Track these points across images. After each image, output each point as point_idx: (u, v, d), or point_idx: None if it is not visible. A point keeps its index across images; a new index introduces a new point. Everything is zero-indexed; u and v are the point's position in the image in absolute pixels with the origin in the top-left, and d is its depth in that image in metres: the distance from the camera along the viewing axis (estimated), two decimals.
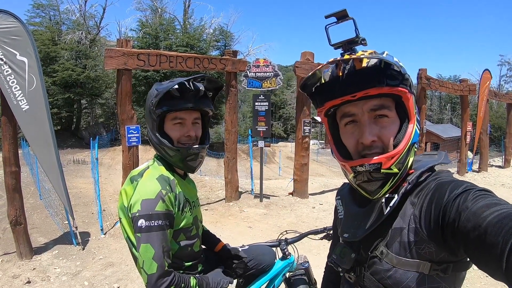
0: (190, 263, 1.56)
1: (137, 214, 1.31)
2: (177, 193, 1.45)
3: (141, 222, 1.30)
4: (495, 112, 36.44)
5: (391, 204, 0.84)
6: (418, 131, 0.88)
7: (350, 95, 0.81)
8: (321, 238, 2.21)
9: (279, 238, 2.18)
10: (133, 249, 1.40)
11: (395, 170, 0.82)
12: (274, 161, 24.42)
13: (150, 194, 1.33)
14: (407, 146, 0.82)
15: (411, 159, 0.86)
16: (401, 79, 0.81)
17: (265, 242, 2.15)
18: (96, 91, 26.90)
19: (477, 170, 11.77)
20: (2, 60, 4.06)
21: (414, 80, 0.84)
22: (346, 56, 0.81)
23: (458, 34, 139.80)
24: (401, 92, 0.81)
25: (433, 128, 30.79)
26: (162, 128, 1.47)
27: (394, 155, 0.81)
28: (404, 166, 0.83)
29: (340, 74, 0.82)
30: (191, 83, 1.44)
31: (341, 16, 0.83)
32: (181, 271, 1.51)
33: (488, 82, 11.44)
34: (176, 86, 1.40)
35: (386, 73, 0.79)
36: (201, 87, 1.47)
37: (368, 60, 0.80)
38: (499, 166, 12.96)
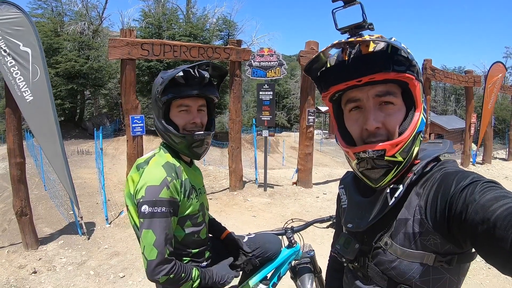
0: (197, 250, 1.57)
1: (141, 200, 1.33)
2: (183, 180, 1.46)
3: (145, 208, 1.31)
4: (500, 104, 35.92)
5: (396, 195, 0.82)
6: (425, 120, 0.86)
7: (356, 79, 0.79)
8: (327, 227, 2.22)
9: (285, 226, 2.18)
10: None
11: (400, 158, 0.80)
12: (277, 150, 24.41)
13: (155, 181, 1.34)
14: (413, 135, 0.81)
15: (416, 149, 0.83)
16: (408, 65, 0.78)
17: (271, 231, 2.16)
18: (99, 81, 26.89)
19: (481, 162, 11.73)
20: (6, 51, 4.04)
21: None
22: (352, 39, 0.78)
23: (463, 25, 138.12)
24: (408, 78, 0.79)
25: (437, 119, 30.60)
26: (168, 116, 1.48)
27: (398, 143, 0.79)
28: (408, 155, 0.81)
29: (346, 58, 0.80)
30: (196, 70, 1.44)
31: (349, 0, 0.81)
32: (188, 258, 1.53)
33: (501, 75, 11.21)
34: (181, 73, 1.40)
35: (393, 58, 0.77)
36: (206, 75, 1.48)
37: (375, 45, 0.78)
38: (503, 159, 12.88)
